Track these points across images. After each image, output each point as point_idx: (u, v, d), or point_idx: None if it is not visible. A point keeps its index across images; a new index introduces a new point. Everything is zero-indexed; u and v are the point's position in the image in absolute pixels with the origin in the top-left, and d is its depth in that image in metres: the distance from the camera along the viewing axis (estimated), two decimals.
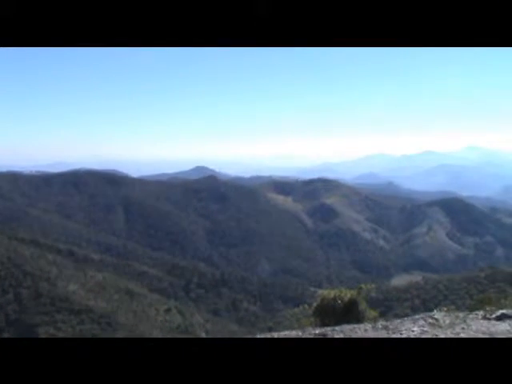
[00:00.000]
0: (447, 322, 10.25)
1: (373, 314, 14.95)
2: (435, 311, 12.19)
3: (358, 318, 14.15)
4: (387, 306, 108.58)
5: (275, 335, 9.84)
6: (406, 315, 13.23)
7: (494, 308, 12.54)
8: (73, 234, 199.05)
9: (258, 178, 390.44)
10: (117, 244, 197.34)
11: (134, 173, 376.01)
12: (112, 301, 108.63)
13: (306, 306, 16.08)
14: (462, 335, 8.84)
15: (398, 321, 10.74)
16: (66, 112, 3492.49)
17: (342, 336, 9.37)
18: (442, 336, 8.81)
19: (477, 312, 11.74)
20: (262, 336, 9.70)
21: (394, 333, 9.34)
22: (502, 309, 11.98)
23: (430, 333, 9.11)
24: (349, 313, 14.47)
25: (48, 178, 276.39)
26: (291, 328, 12.28)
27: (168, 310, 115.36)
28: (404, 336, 8.98)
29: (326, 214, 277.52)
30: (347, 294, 14.92)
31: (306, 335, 9.57)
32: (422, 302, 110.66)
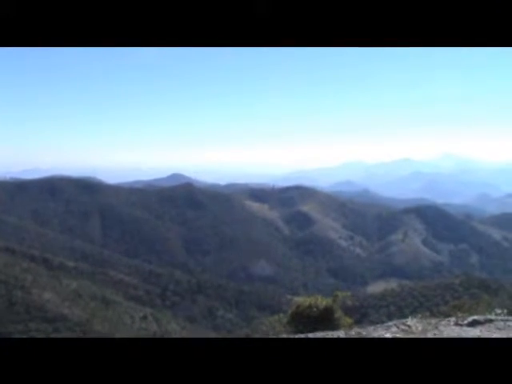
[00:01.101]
0: (420, 328, 10.34)
1: (348, 321, 15.03)
2: (409, 318, 12.31)
3: (333, 326, 14.20)
4: (363, 313, 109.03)
5: None
6: (382, 322, 13.31)
7: (465, 314, 12.67)
8: (48, 241, 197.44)
9: (234, 185, 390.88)
10: (92, 251, 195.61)
11: (110, 180, 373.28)
12: (87, 309, 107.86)
13: (281, 315, 16.10)
14: None
15: (372, 328, 10.80)
16: (39, 117, 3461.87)
17: None
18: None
19: (449, 318, 11.86)
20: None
21: None
22: (475, 315, 12.13)
23: None
24: (324, 320, 14.51)
25: (23, 185, 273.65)
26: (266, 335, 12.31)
27: (144, 318, 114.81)
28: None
29: (302, 221, 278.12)
30: (323, 302, 14.96)
31: None
32: (398, 308, 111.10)
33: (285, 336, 9.80)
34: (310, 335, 10.09)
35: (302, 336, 10.21)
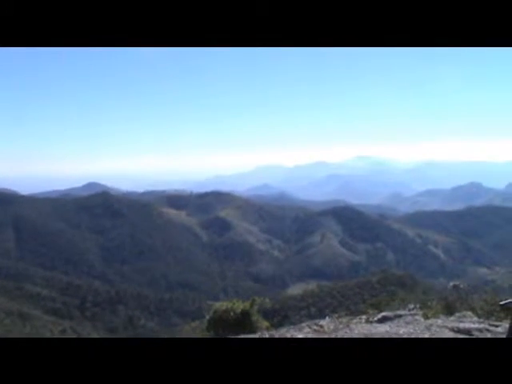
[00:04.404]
0: (331, 327, 10.66)
1: (265, 324, 15.24)
2: (327, 318, 12.63)
3: (250, 329, 14.38)
4: (284, 316, 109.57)
5: None
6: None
7: (376, 311, 13.11)
8: None
9: (152, 192, 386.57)
10: (7, 265, 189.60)
11: (24, 190, 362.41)
12: (3, 325, 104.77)
13: (197, 321, 16.28)
14: None
15: (284, 329, 11.04)
16: None
17: None
18: None
19: (361, 316, 12.26)
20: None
21: None
22: (389, 311, 12.56)
23: None
24: (241, 324, 14.68)
25: None
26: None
27: (63, 331, 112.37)
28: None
29: (220, 226, 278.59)
30: (239, 306, 15.13)
31: None
32: (318, 309, 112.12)
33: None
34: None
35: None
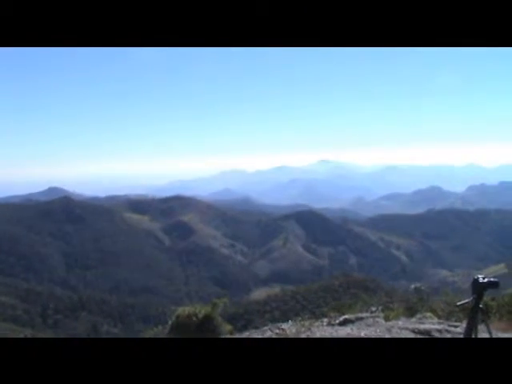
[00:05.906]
0: (293, 330, 10.73)
1: (228, 328, 15.25)
2: (289, 321, 12.69)
3: (213, 334, 14.39)
4: (248, 320, 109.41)
5: None
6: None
7: (338, 314, 13.20)
8: None
9: (114, 197, 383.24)
10: None
11: None
12: None
13: (160, 326, 16.18)
14: None
15: (247, 333, 11.08)
16: None
17: None
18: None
19: (323, 319, 12.33)
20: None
21: None
22: (351, 314, 12.67)
23: None
24: (204, 329, 14.67)
25: None
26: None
27: None
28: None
29: (183, 231, 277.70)
30: (202, 311, 15.10)
31: None
32: (282, 313, 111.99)
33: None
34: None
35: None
